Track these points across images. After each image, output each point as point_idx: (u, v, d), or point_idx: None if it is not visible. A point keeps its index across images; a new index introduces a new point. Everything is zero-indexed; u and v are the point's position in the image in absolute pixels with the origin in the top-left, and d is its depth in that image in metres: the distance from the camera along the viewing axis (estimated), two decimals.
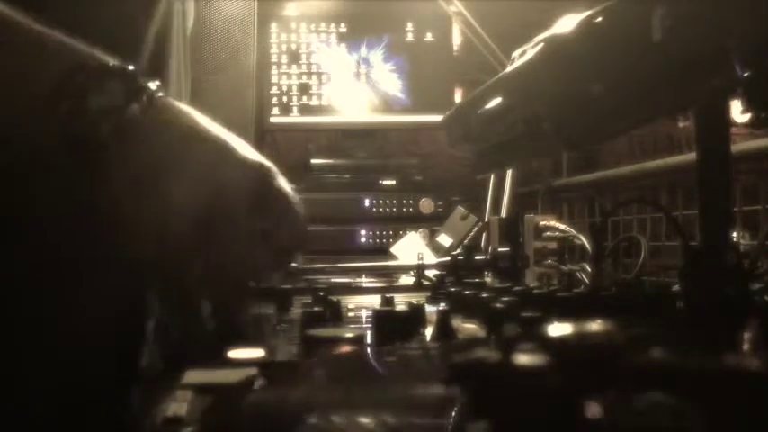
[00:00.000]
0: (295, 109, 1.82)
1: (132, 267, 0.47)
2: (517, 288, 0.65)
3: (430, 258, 1.21)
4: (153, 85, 0.45)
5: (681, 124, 1.24)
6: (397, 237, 1.60)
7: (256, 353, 0.40)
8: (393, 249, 1.47)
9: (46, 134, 0.42)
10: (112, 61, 0.44)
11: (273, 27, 1.82)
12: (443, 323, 0.48)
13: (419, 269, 1.02)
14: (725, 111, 0.58)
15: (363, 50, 1.84)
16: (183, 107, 0.47)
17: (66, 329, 0.50)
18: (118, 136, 0.42)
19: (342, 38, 1.83)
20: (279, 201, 0.50)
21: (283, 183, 0.51)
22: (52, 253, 0.49)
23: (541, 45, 0.61)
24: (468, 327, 0.52)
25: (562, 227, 1.08)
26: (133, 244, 0.44)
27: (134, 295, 0.53)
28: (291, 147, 1.94)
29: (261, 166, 0.49)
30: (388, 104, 1.84)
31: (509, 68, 0.70)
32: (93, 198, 0.44)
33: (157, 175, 0.44)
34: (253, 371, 0.36)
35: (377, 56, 1.84)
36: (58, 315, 0.50)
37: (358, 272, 1.16)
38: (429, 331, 0.50)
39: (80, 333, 0.50)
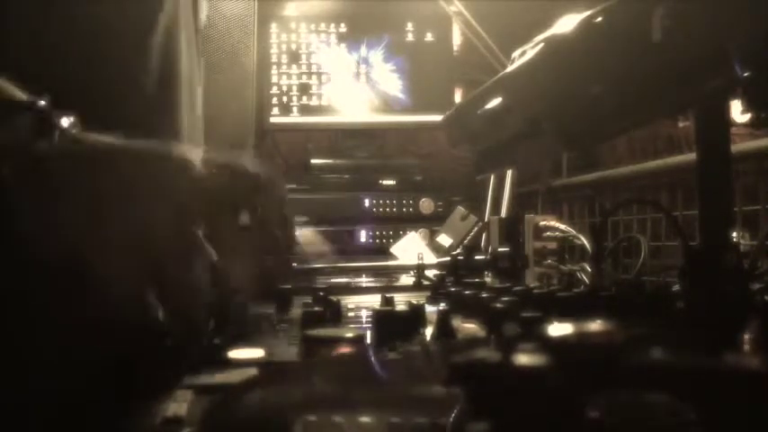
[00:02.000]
0: (295, 109, 1.82)
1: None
2: (517, 288, 0.65)
3: (430, 258, 1.21)
4: (66, 120, 0.43)
5: (681, 124, 1.24)
6: (397, 237, 1.60)
7: (256, 353, 0.40)
8: (393, 249, 1.47)
9: None
10: (22, 95, 0.42)
11: (273, 27, 1.82)
12: (443, 323, 0.48)
13: (419, 269, 1.02)
14: (725, 111, 0.58)
15: (363, 50, 1.84)
16: (100, 138, 0.45)
17: None
18: (21, 175, 0.40)
19: (342, 38, 1.83)
20: (227, 169, 0.49)
21: (214, 157, 0.50)
22: None
23: (541, 45, 0.61)
24: (468, 327, 0.52)
25: (562, 227, 1.08)
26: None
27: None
28: (291, 147, 1.94)
29: (182, 158, 0.48)
30: (388, 104, 1.84)
31: (509, 68, 0.70)
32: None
33: (79, 207, 0.42)
34: (253, 371, 0.36)
35: (377, 56, 1.84)
36: None
37: (358, 272, 1.16)
38: (429, 331, 0.50)
39: None
